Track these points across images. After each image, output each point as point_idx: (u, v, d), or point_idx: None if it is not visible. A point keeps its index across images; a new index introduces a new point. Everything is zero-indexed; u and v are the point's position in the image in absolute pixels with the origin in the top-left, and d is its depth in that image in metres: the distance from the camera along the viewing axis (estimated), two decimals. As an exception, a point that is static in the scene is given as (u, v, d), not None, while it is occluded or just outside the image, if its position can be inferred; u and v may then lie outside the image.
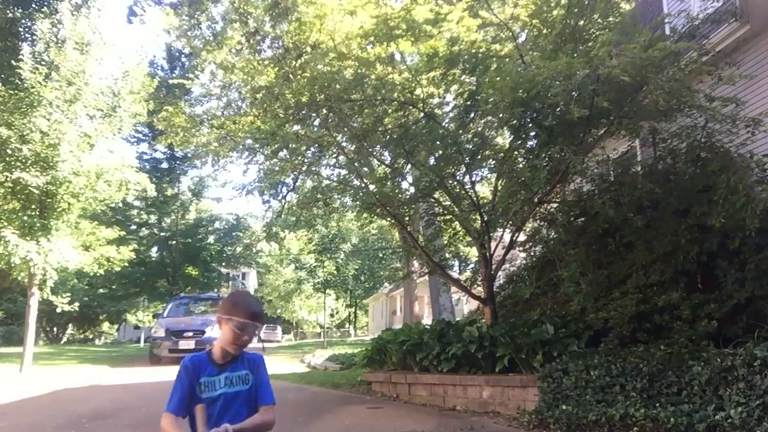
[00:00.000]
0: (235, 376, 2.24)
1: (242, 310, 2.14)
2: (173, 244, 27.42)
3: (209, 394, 2.19)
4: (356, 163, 7.56)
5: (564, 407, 4.41)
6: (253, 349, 2.36)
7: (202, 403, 2.18)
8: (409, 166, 7.47)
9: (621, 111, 5.39)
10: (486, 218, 6.76)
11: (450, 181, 7.21)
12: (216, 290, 25.83)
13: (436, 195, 7.63)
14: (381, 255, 34.20)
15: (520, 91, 5.28)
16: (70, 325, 33.34)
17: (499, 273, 7.74)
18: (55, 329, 31.89)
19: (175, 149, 25.32)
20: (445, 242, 8.57)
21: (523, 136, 6.41)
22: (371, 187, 7.42)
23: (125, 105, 12.51)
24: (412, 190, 7.90)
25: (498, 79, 5.61)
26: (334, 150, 7.76)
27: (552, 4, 6.41)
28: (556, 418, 4.40)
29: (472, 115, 6.87)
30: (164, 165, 28.35)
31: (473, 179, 7.47)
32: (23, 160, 10.98)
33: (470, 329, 6.23)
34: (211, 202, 32.77)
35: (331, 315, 42.87)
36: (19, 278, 12.03)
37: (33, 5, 15.67)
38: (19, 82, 11.31)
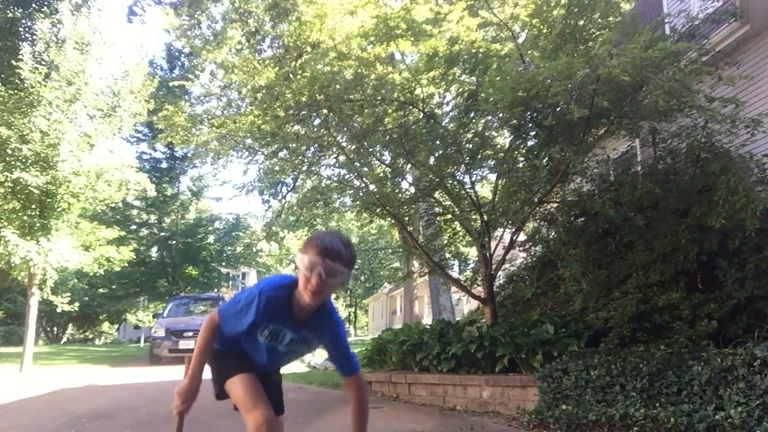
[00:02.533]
0: (303, 337, 1.94)
1: (312, 246, 1.76)
2: (173, 244, 27.42)
3: (267, 342, 1.91)
4: (356, 163, 7.56)
5: (564, 407, 4.41)
6: None
7: (254, 342, 1.92)
8: (409, 166, 7.47)
9: (621, 111, 5.39)
10: (486, 218, 6.76)
11: (450, 181, 7.21)
12: (216, 290, 25.82)
13: (436, 195, 7.63)
14: (381, 255, 34.20)
15: (520, 90, 5.28)
16: (70, 325, 33.32)
17: (499, 273, 7.73)
18: (55, 329, 31.87)
19: (174, 149, 25.40)
20: (445, 242, 8.56)
21: (523, 135, 6.41)
22: (371, 187, 7.42)
23: (125, 105, 12.52)
24: (412, 190, 7.90)
25: (498, 78, 5.61)
26: (334, 150, 7.75)
27: (552, 4, 6.41)
28: (556, 417, 4.40)
29: (472, 115, 6.87)
30: (164, 165, 28.37)
31: (473, 179, 7.46)
32: (23, 160, 10.98)
33: (470, 329, 6.23)
34: (210, 201, 32.87)
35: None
36: (19, 278, 12.04)
37: (33, 5, 15.68)
38: (19, 82, 11.31)
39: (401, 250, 8.48)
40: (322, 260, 1.73)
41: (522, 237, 7.59)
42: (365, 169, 7.74)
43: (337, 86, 6.66)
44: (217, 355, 2.00)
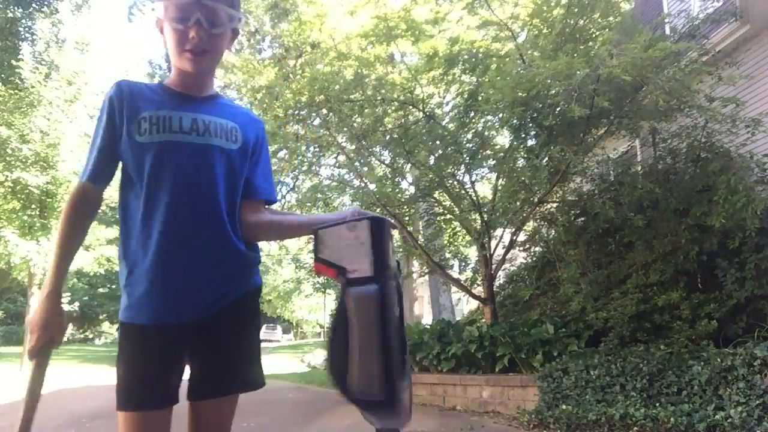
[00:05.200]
0: (215, 122, 1.26)
1: None
2: (173, 243, 27.43)
3: (161, 136, 1.20)
4: (356, 163, 7.56)
5: (564, 407, 4.41)
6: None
7: (138, 152, 1.21)
8: (409, 165, 7.47)
9: (621, 111, 5.39)
10: (486, 218, 6.76)
11: (450, 181, 7.21)
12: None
13: (436, 195, 7.63)
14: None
15: (520, 90, 5.28)
16: (70, 324, 33.33)
17: (499, 273, 7.73)
18: (55, 329, 31.85)
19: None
20: (445, 242, 8.56)
21: (524, 135, 6.41)
22: (371, 186, 7.42)
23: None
24: (412, 190, 7.90)
25: (498, 78, 5.61)
26: (334, 150, 7.75)
27: (552, 4, 6.41)
28: (556, 417, 4.40)
29: (472, 115, 6.87)
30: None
31: (473, 179, 7.47)
32: (23, 160, 11.00)
33: (470, 329, 6.23)
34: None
35: (332, 315, 42.87)
36: (19, 278, 12.06)
37: (33, 5, 15.66)
38: (19, 82, 11.32)
39: (401, 250, 8.49)
40: (198, 1, 1.18)
41: (522, 237, 7.59)
42: (365, 169, 7.74)
43: (337, 86, 6.66)
44: (120, 338, 1.33)
